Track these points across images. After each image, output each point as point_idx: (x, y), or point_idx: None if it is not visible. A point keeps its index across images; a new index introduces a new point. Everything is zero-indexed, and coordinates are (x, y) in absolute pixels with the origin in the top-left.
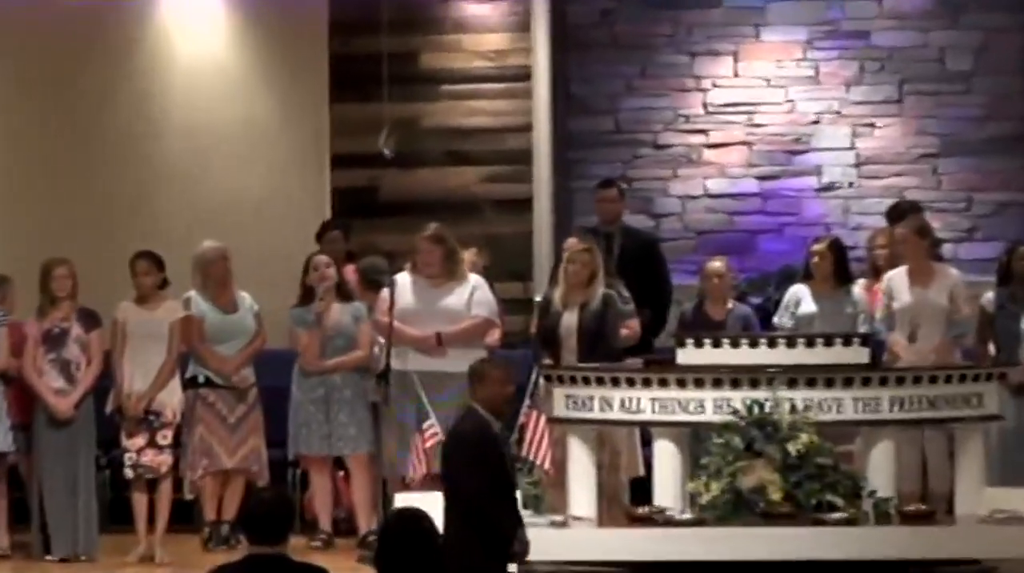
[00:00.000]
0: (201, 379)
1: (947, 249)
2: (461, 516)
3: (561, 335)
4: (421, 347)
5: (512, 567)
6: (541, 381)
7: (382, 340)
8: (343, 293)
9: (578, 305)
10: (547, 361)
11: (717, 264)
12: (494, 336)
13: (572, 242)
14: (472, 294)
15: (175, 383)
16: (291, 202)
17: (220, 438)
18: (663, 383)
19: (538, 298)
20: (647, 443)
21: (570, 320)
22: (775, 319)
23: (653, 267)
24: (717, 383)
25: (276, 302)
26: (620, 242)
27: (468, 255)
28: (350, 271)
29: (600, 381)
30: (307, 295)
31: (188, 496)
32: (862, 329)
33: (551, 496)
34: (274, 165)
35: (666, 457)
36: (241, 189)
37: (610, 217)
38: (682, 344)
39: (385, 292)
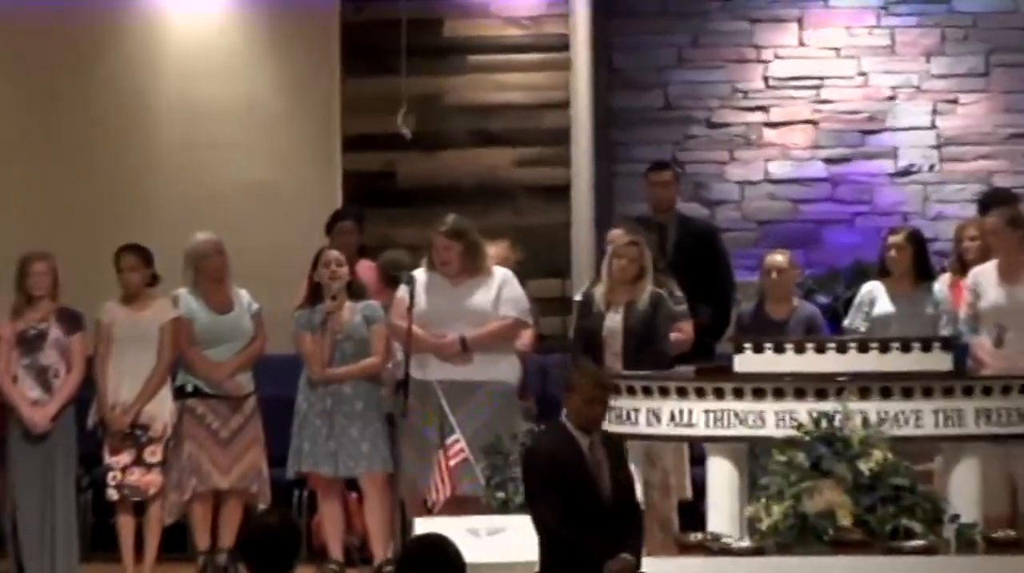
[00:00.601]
0: (190, 388)
1: None
2: (544, 547)
3: (604, 339)
4: (443, 354)
5: None
6: None
7: (399, 346)
8: (355, 291)
9: (623, 305)
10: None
11: (779, 258)
12: (525, 339)
13: (617, 234)
14: (499, 291)
15: (166, 393)
16: (297, 189)
17: (211, 455)
18: (718, 393)
19: (577, 297)
20: (697, 461)
21: (614, 322)
22: (845, 321)
23: (713, 260)
24: (779, 393)
25: (280, 302)
26: (675, 233)
27: (498, 249)
28: (364, 267)
29: (647, 391)
30: (314, 294)
31: (167, 520)
32: (944, 332)
33: None
34: (278, 148)
35: (721, 477)
36: (242, 175)
37: (664, 204)
38: (740, 349)
39: (402, 291)
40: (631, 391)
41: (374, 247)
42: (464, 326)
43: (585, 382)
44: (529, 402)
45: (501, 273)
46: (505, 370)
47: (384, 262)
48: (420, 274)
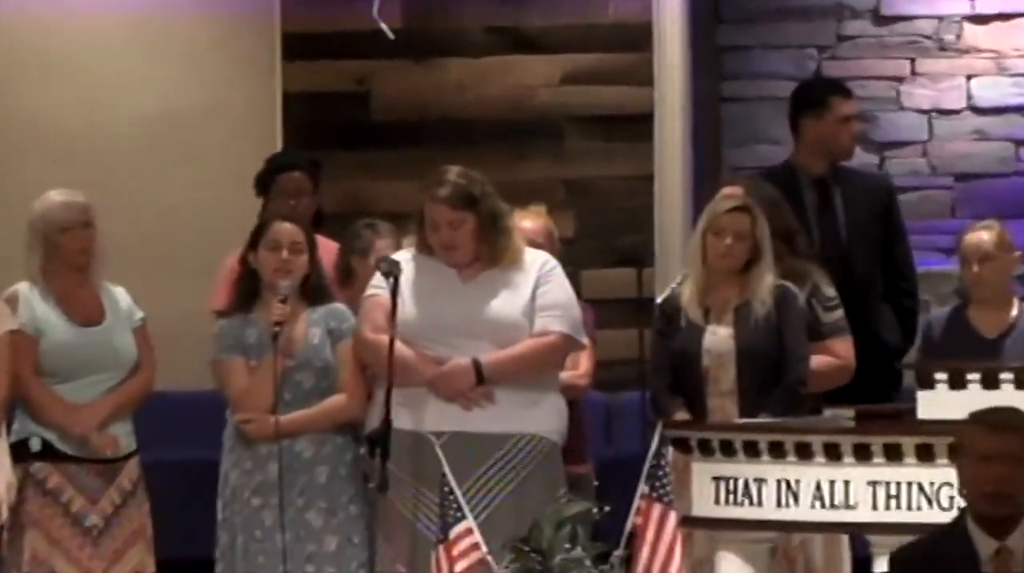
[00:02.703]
0: (36, 445)
1: None
2: None
3: (704, 367)
4: (444, 388)
5: None
6: (668, 449)
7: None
8: (314, 291)
9: (731, 312)
10: (678, 413)
11: (986, 237)
12: (580, 370)
13: (727, 195)
14: (536, 289)
15: (0, 451)
16: (217, 120)
17: (67, 552)
18: (892, 453)
19: (660, 301)
20: (861, 560)
21: (718, 340)
22: None
23: (891, 239)
24: None
25: (187, 307)
26: (840, 196)
27: (534, 221)
28: (325, 249)
29: (777, 451)
30: (245, 295)
31: None
32: None
33: None
34: (188, 59)
35: None
36: (128, 103)
37: (847, 149)
38: (927, 382)
39: (378, 286)
40: (751, 451)
41: (335, 216)
42: (479, 345)
43: (982, 437)
44: (584, 468)
45: (538, 261)
46: (543, 416)
47: (353, 243)
48: (406, 260)
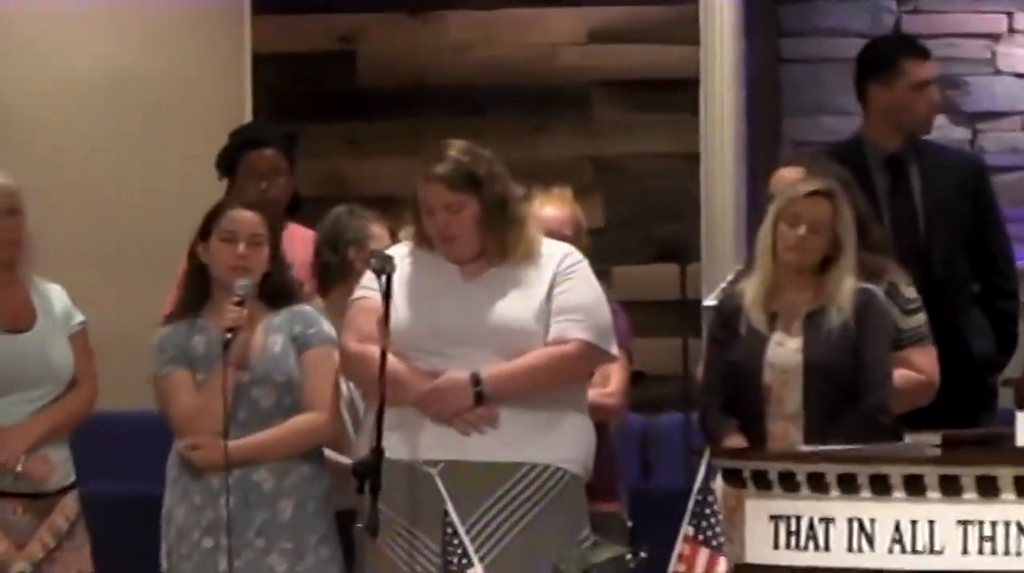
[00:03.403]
0: None
1: None
2: None
3: (766, 384)
4: (438, 407)
5: None
6: (717, 481)
7: (359, 393)
8: (276, 290)
9: (802, 318)
10: (731, 438)
11: None
12: (611, 387)
13: (788, 176)
14: (552, 289)
15: None
16: (172, 88)
17: None
18: (986, 487)
19: (707, 303)
20: None
21: (785, 351)
22: None
23: (985, 227)
24: None
25: (136, 311)
26: (917, 174)
27: (555, 205)
28: (296, 238)
29: (847, 484)
30: (193, 296)
31: None
32: None
33: None
34: (135, 12)
35: None
36: (64, 66)
37: (928, 120)
38: None
39: (367, 287)
40: (817, 485)
41: (314, 201)
42: (481, 356)
43: None
44: (614, 506)
45: (557, 255)
46: (561, 443)
47: (329, 233)
48: (401, 255)
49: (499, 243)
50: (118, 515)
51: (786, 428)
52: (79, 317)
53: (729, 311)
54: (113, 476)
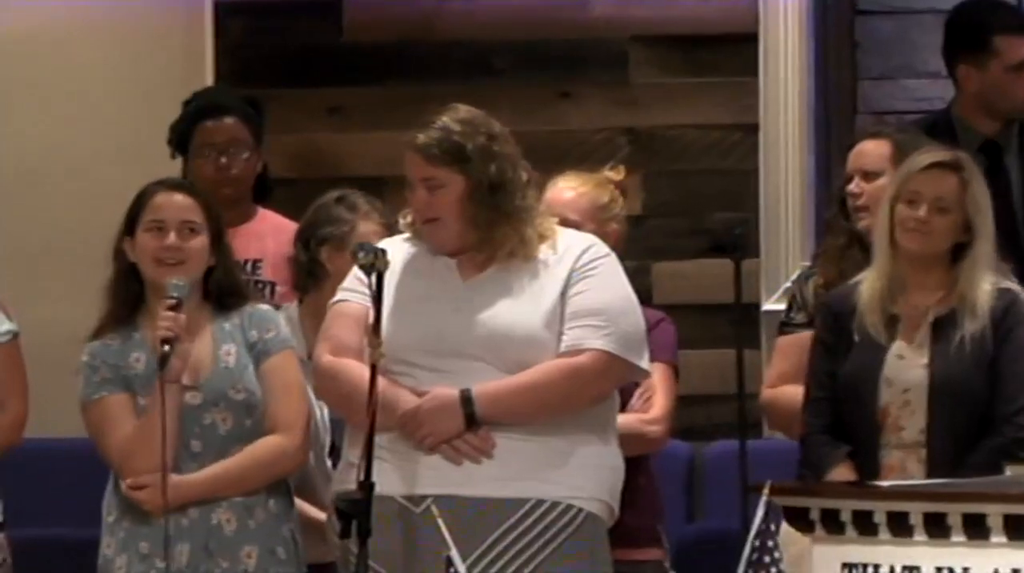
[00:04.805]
0: None
1: None
2: None
3: (883, 406)
4: (421, 431)
5: None
6: (779, 524)
7: (326, 414)
8: (218, 289)
9: (928, 324)
10: (839, 469)
11: None
12: (653, 412)
13: (869, 151)
14: (567, 289)
15: None
16: (117, 46)
17: None
18: None
19: (768, 307)
20: None
21: (908, 366)
22: None
23: None
24: None
25: (77, 323)
26: (1018, 160)
27: (569, 184)
28: (269, 229)
29: (936, 526)
30: (124, 304)
31: None
32: None
33: None
34: None
35: None
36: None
37: (1013, 102)
38: None
39: (348, 294)
40: (899, 527)
41: (287, 183)
42: (478, 369)
43: None
44: (655, 553)
45: (576, 248)
46: (576, 476)
47: (312, 227)
48: (397, 249)
49: (484, 236)
50: (57, 562)
51: (904, 460)
52: (7, 325)
53: (843, 309)
54: (48, 517)
